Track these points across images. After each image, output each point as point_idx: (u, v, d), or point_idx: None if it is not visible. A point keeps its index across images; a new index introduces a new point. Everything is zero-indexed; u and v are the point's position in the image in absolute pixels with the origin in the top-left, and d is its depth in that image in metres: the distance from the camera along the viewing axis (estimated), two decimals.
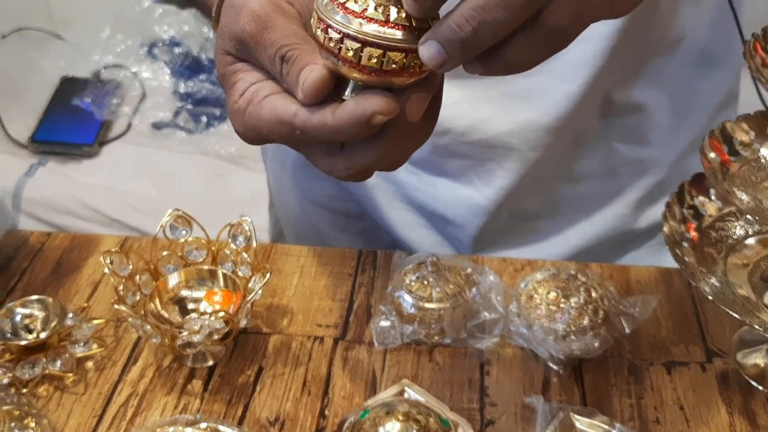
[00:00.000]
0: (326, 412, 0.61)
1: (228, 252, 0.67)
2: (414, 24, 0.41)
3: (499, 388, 0.64)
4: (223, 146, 1.41)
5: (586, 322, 0.63)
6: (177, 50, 1.44)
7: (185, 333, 0.60)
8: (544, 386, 0.64)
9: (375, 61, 0.41)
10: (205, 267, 0.67)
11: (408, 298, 0.66)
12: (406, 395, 0.61)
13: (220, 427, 0.57)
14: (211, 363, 0.65)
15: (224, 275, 0.67)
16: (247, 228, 0.66)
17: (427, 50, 0.40)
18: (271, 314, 0.70)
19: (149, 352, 0.66)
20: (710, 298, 0.56)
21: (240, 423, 0.60)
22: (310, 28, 0.43)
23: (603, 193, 0.80)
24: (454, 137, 0.75)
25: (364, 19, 0.40)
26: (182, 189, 1.35)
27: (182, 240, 0.67)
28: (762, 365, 0.63)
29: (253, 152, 1.39)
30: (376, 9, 0.40)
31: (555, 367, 0.62)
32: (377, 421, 0.55)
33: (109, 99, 1.45)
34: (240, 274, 0.66)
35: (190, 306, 0.66)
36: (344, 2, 0.41)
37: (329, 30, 0.41)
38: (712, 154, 0.57)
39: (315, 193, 0.89)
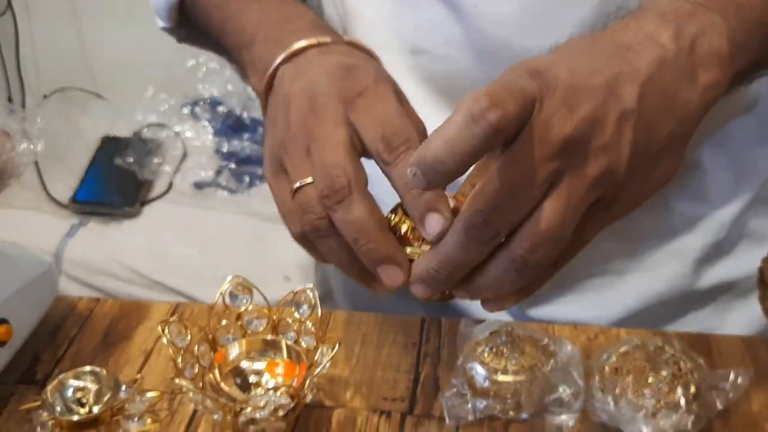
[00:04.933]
0: None
1: (290, 321, 0.64)
2: None
3: None
4: (266, 206, 1.38)
5: (677, 397, 0.58)
6: (220, 109, 1.43)
7: (249, 409, 0.56)
8: None
9: None
10: (267, 337, 0.64)
11: (481, 371, 0.62)
12: None
13: None
14: None
15: (287, 345, 0.63)
16: (311, 295, 0.62)
17: (415, 289, 0.50)
18: (333, 386, 0.66)
19: (206, 426, 0.62)
20: None
21: None
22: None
23: (659, 251, 0.76)
24: None
25: None
26: (224, 250, 1.33)
27: (242, 308, 0.64)
28: None
29: None
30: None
31: None
32: None
33: (150, 158, 1.44)
34: (303, 344, 0.63)
35: (251, 378, 0.63)
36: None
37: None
38: None
39: None
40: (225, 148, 1.43)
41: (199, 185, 1.42)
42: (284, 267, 1.20)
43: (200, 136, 1.46)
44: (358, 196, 0.49)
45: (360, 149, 0.52)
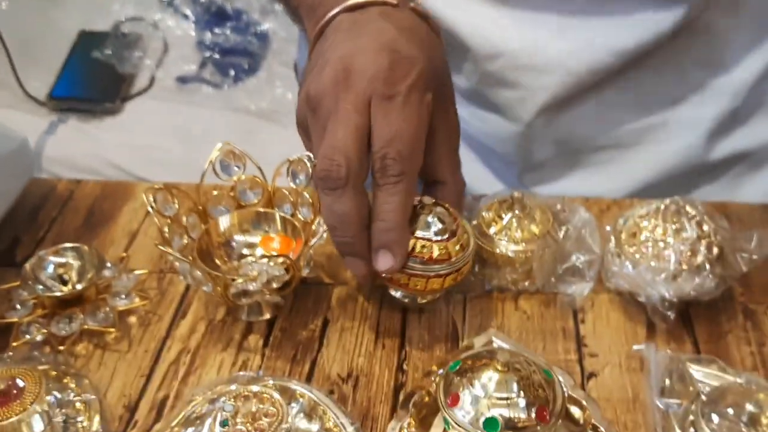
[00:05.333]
0: (404, 366, 0.54)
1: (287, 192, 0.59)
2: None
3: (597, 338, 0.56)
4: (254, 101, 1.32)
5: (700, 259, 0.55)
6: None
7: (240, 280, 0.52)
8: (649, 334, 0.56)
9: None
10: (261, 209, 0.60)
11: (490, 241, 0.58)
12: (495, 346, 0.53)
13: (290, 385, 0.50)
14: (268, 316, 0.57)
15: (282, 218, 0.59)
16: (309, 164, 0.58)
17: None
18: (333, 264, 0.62)
19: (199, 305, 0.59)
20: None
21: (308, 380, 0.53)
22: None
23: (672, 122, 0.72)
24: (507, 61, 0.68)
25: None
26: (210, 146, 1.27)
27: (235, 178, 0.59)
28: None
29: (287, 107, 1.31)
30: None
31: (666, 312, 0.54)
32: (472, 373, 0.47)
33: (130, 52, 1.37)
34: (300, 217, 0.59)
35: (244, 252, 0.59)
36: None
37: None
38: None
39: None
40: (208, 39, 1.36)
41: (182, 80, 1.35)
42: (276, 162, 1.15)
43: (181, 27, 1.39)
44: (351, 190, 0.50)
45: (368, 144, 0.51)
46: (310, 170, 0.55)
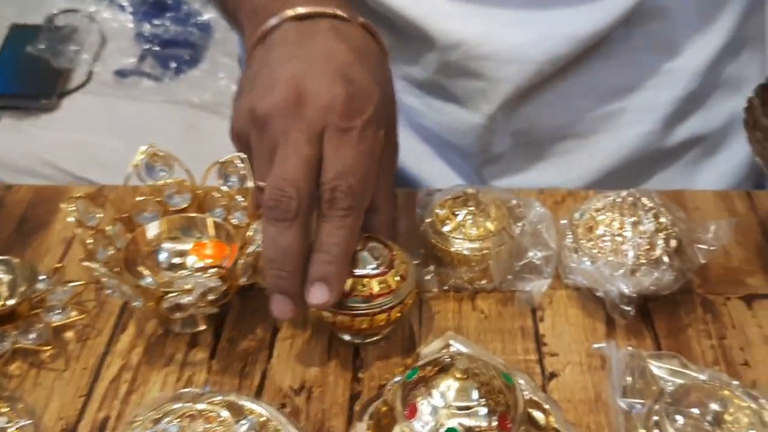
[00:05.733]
0: (360, 374, 0.52)
1: (218, 195, 0.56)
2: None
3: (557, 336, 0.54)
4: (196, 93, 1.29)
5: (658, 253, 0.53)
6: None
7: (174, 294, 0.50)
8: (609, 331, 0.55)
9: None
10: (191, 214, 0.57)
11: (444, 239, 0.56)
12: (451, 350, 0.51)
13: (239, 401, 0.47)
14: (203, 328, 0.54)
15: (214, 223, 0.56)
16: (239, 165, 0.55)
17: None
18: None
19: (141, 316, 0.56)
20: None
21: (258, 394, 0.50)
22: None
23: (628, 109, 0.72)
24: (467, 51, 0.67)
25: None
26: (153, 141, 1.23)
27: (161, 182, 0.56)
28: None
29: (231, 99, 1.27)
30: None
31: (626, 308, 0.53)
32: (430, 382, 0.45)
33: (65, 46, 1.32)
34: (234, 221, 0.56)
35: (175, 261, 0.56)
36: None
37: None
38: None
39: None
40: (147, 31, 1.31)
41: (121, 73, 1.31)
42: (219, 156, 1.12)
43: (118, 19, 1.34)
44: (299, 224, 0.48)
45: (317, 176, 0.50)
46: (242, 171, 0.53)
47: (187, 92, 1.30)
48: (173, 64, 1.31)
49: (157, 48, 1.31)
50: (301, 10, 0.53)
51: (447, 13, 0.67)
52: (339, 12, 0.53)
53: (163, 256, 0.55)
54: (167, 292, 0.49)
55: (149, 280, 0.54)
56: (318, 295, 0.49)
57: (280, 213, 0.48)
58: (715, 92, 0.73)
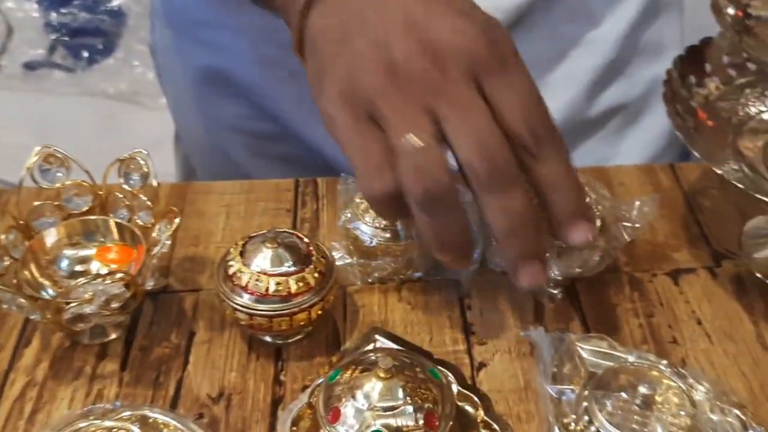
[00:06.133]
0: (282, 377, 0.49)
1: (120, 195, 0.53)
2: None
3: (485, 324, 0.53)
4: (112, 83, 1.23)
5: None
6: None
7: (73, 304, 0.46)
8: (537, 315, 0.54)
9: None
10: (92, 217, 0.53)
11: (366, 230, 0.54)
12: (378, 345, 0.49)
13: (149, 414, 0.44)
14: (114, 336, 0.51)
15: (118, 225, 0.53)
16: (141, 162, 0.52)
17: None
18: (197, 267, 0.56)
19: (45, 329, 0.52)
20: (741, 186, 0.47)
21: (174, 406, 0.48)
22: None
23: (550, 80, 0.71)
24: None
25: None
26: (67, 136, 1.17)
27: (58, 185, 0.52)
28: None
29: (149, 88, 1.22)
30: None
31: (553, 291, 0.52)
32: (353, 384, 0.43)
33: None
34: (139, 222, 0.53)
35: (78, 268, 0.52)
36: None
37: None
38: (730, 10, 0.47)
39: (222, 114, 0.77)
40: (55, 20, 1.25)
41: (30, 66, 1.25)
42: (139, 148, 1.07)
43: (23, 8, 1.27)
44: (522, 180, 0.44)
45: None
46: (144, 168, 0.50)
47: (102, 83, 1.25)
48: (85, 54, 1.26)
49: (66, 38, 1.26)
50: None
51: None
52: None
53: (64, 264, 0.52)
54: (67, 303, 0.46)
55: (50, 291, 0.50)
56: (581, 232, 0.46)
57: (502, 177, 0.43)
58: (635, 59, 0.73)
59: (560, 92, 0.71)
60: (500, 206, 0.44)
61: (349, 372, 0.44)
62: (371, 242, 0.54)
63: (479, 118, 0.42)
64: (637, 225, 0.54)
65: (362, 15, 0.44)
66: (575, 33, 0.70)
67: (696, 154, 0.48)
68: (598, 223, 0.53)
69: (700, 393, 0.45)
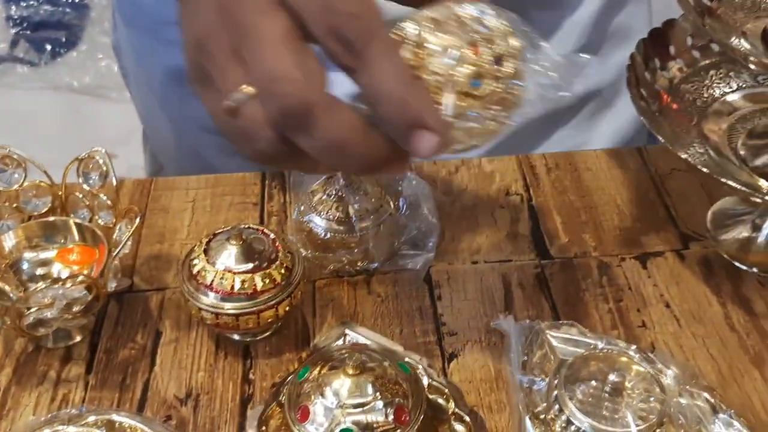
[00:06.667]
0: (251, 375, 0.49)
1: (80, 195, 0.52)
2: None
3: (455, 314, 0.53)
4: (76, 77, 1.21)
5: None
6: None
7: (32, 309, 0.45)
8: (507, 303, 0.53)
9: None
10: (52, 218, 0.52)
11: (320, 222, 0.53)
12: (348, 340, 0.49)
13: (115, 418, 0.43)
14: (78, 339, 0.50)
15: (79, 225, 0.52)
16: (100, 161, 0.51)
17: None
18: (162, 265, 0.55)
19: (7, 334, 0.51)
20: (705, 170, 0.46)
21: (141, 408, 0.47)
22: None
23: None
24: None
25: None
26: (33, 132, 1.16)
27: (16, 186, 0.51)
28: (744, 242, 0.55)
29: (114, 80, 1.20)
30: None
31: (522, 278, 0.51)
32: (322, 381, 0.42)
33: None
34: (100, 222, 0.52)
35: (39, 271, 0.51)
36: None
37: None
38: None
39: (192, 114, 0.75)
40: (15, 13, 1.22)
41: None
42: (107, 143, 1.05)
43: None
44: (324, 109, 0.36)
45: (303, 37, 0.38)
46: (104, 167, 0.50)
47: (66, 76, 1.23)
48: (48, 48, 1.24)
49: (28, 31, 1.23)
50: None
51: None
52: None
53: (24, 267, 0.51)
54: (27, 308, 0.45)
55: (12, 295, 0.49)
56: (425, 143, 0.37)
57: (292, 118, 0.37)
58: (605, 44, 0.73)
59: (532, 80, 0.70)
60: (309, 146, 0.38)
61: (318, 369, 0.43)
62: (325, 235, 0.53)
63: (261, 51, 0.37)
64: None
65: None
66: (545, 19, 0.69)
67: (660, 138, 0.48)
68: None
69: (669, 377, 0.46)
